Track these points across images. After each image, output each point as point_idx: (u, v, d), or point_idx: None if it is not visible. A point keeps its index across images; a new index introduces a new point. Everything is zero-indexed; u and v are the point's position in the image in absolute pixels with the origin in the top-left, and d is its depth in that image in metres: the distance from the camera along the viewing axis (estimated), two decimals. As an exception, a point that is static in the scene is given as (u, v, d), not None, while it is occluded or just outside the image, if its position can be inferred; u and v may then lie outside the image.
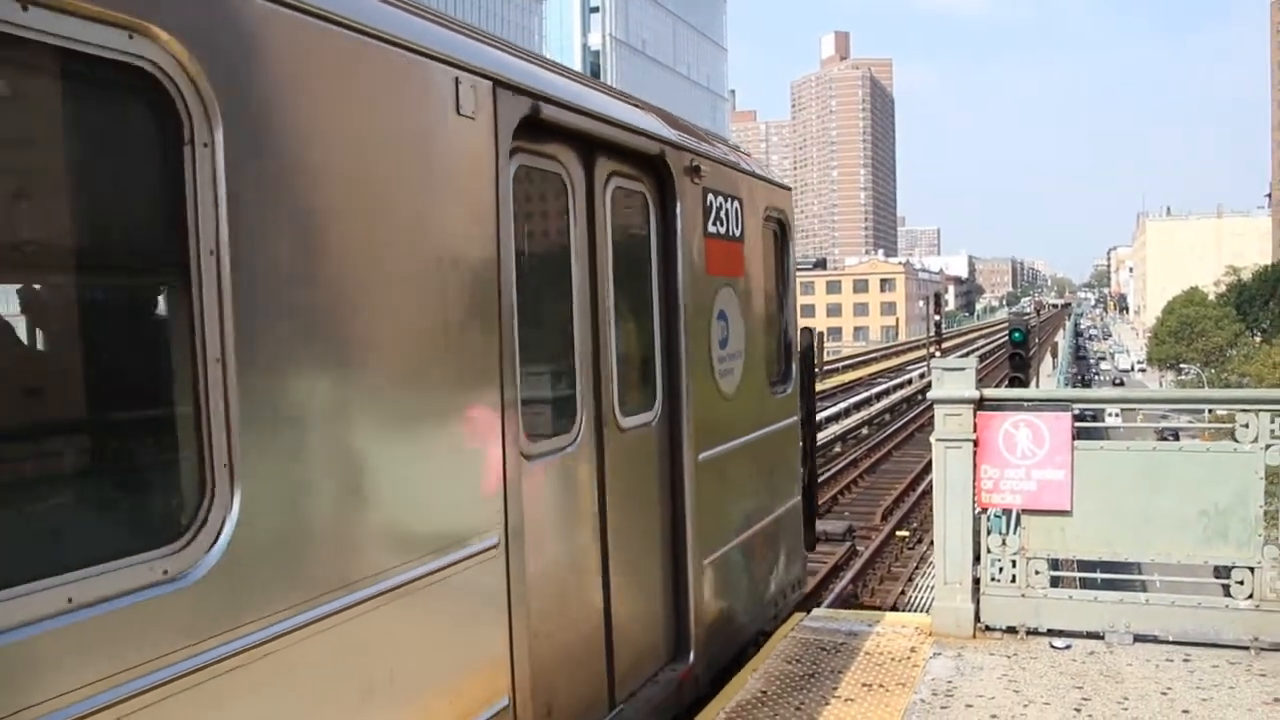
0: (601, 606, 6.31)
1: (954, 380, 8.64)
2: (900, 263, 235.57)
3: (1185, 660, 7.89)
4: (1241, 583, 8.07)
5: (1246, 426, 8.03)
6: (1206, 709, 6.99)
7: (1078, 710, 7.04)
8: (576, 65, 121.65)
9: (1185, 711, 6.96)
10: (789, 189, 10.08)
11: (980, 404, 8.56)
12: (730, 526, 8.00)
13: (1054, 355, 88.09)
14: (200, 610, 3.31)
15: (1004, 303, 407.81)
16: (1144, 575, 10.34)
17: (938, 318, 58.80)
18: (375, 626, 4.14)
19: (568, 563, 5.98)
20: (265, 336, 3.63)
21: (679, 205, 7.05)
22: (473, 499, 4.87)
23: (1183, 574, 8.90)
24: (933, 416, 8.80)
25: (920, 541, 25.44)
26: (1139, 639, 8.28)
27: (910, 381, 63.06)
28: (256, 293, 3.57)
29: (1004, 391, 9.81)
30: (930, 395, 8.81)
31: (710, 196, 7.59)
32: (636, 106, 7.09)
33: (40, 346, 3.46)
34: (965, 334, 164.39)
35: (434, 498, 4.61)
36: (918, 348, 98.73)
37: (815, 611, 9.63)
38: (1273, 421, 7.96)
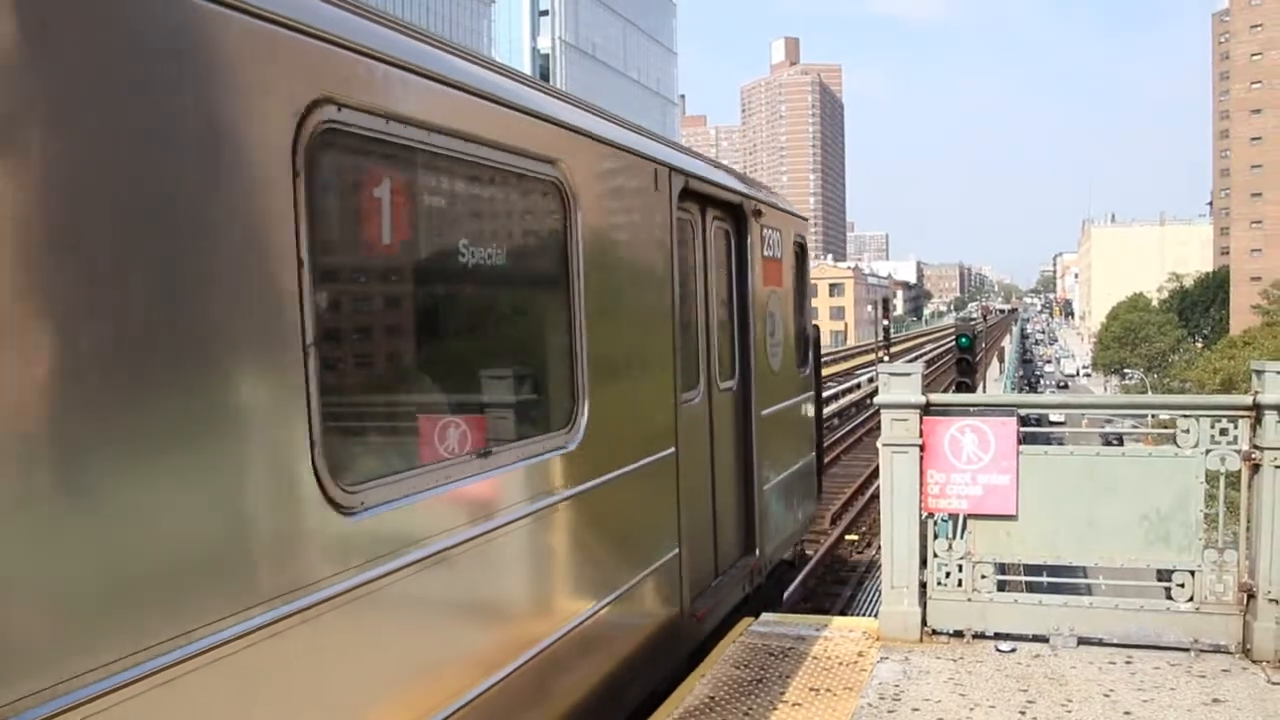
0: (711, 506, 9.26)
1: (900, 385, 8.68)
2: (849, 268, 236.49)
3: (1128, 662, 7.98)
4: (1182, 586, 8.17)
5: (1187, 432, 8.13)
6: (1147, 710, 7.07)
7: (1022, 713, 7.09)
8: (525, 68, 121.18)
9: (1127, 713, 7.04)
10: (807, 219, 13.44)
11: (926, 409, 8.60)
12: (776, 466, 11.03)
13: (1001, 360, 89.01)
14: (574, 465, 6.36)
15: (952, 308, 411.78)
16: (1089, 579, 10.44)
17: (886, 323, 59.22)
18: (633, 489, 7.39)
19: (697, 472, 8.83)
20: (594, 321, 6.63)
21: (749, 238, 10.08)
22: (664, 424, 7.98)
23: (1126, 577, 8.99)
24: (880, 421, 8.85)
25: (869, 545, 25.56)
26: (1083, 642, 8.36)
27: (859, 386, 63.34)
28: (591, 297, 6.61)
29: (950, 396, 9.89)
30: (877, 400, 8.84)
31: (764, 230, 10.58)
32: (719, 168, 10.26)
33: (518, 333, 6.62)
34: (913, 339, 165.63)
35: (654, 421, 7.83)
36: (866, 352, 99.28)
37: (764, 616, 9.62)
38: (1212, 427, 8.06)
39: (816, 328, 13.34)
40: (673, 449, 7.97)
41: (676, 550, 8.03)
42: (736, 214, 9.86)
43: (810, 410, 12.84)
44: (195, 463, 3.60)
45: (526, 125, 5.96)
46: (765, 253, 10.56)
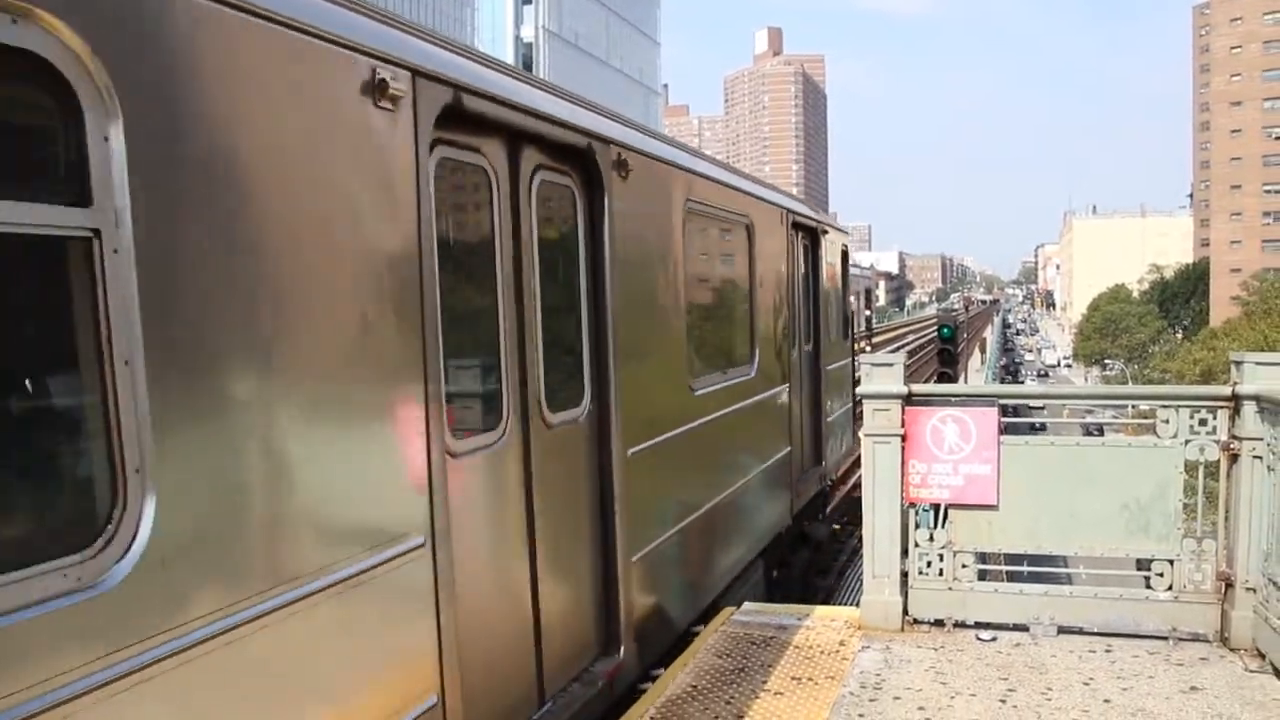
0: (801, 426, 13.46)
1: (882, 376, 8.71)
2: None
3: (1107, 651, 8.04)
4: (1161, 575, 8.22)
5: (1167, 422, 8.18)
6: (1126, 698, 7.13)
7: (1003, 701, 7.14)
8: (508, 57, 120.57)
9: (1106, 701, 7.09)
10: (849, 233, 19.06)
11: (908, 399, 8.62)
12: (833, 405, 15.52)
13: (983, 350, 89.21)
14: (752, 385, 11.13)
15: (934, 298, 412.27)
16: (1069, 568, 10.49)
17: (868, 313, 59.13)
18: (774, 405, 12.05)
19: (796, 400, 13.13)
20: (758, 303, 11.49)
21: (820, 250, 14.71)
22: (784, 368, 12.34)
23: (1107, 566, 9.04)
24: (862, 412, 8.87)
25: (851, 535, 25.58)
26: (1063, 630, 8.41)
27: (841, 376, 63.26)
28: (759, 289, 11.50)
29: (931, 387, 9.95)
30: (859, 391, 8.88)
31: (827, 245, 15.22)
32: (802, 203, 14.78)
33: (735, 310, 11.20)
34: (896, 329, 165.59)
35: (781, 365, 12.18)
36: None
37: (746, 605, 9.65)
38: (1192, 417, 8.11)
39: (853, 311, 18.55)
40: (788, 384, 12.51)
41: (789, 448, 12.70)
42: (813, 235, 14.52)
43: (850, 372, 17.76)
44: (676, 368, 8.68)
45: (740, 198, 10.87)
46: (828, 260, 15.32)
